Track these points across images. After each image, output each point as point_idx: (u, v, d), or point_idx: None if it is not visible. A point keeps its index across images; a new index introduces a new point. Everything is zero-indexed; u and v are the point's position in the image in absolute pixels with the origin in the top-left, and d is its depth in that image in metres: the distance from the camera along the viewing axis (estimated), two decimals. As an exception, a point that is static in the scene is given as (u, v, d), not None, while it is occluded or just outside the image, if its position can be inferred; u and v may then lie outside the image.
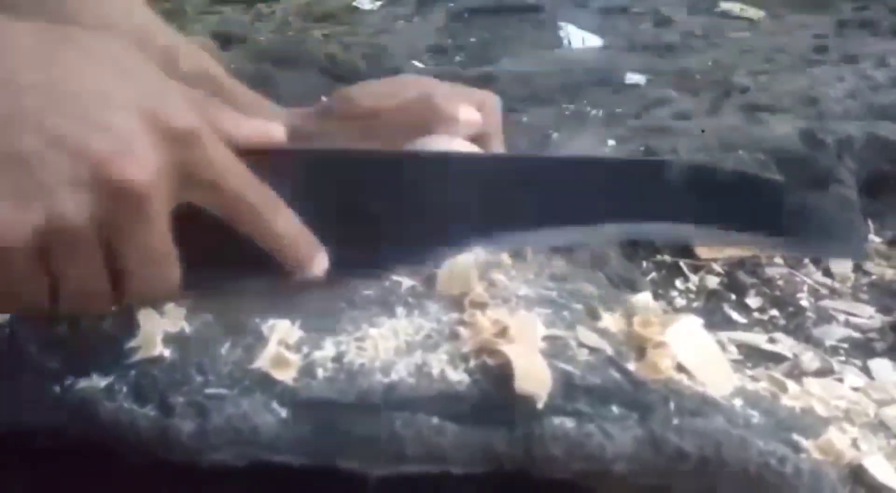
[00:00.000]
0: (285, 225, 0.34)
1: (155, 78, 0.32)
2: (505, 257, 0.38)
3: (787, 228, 0.39)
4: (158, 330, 0.33)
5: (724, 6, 1.27)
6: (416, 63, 1.14)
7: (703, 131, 0.59)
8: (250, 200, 0.33)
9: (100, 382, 0.31)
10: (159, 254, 0.31)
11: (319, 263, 0.35)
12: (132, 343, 0.32)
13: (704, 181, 0.39)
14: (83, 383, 0.32)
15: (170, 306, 0.34)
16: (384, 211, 0.36)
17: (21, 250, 0.29)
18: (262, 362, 0.31)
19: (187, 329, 0.33)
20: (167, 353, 0.32)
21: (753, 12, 1.23)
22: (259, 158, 0.34)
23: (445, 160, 0.38)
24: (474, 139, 0.42)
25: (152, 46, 0.41)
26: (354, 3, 1.53)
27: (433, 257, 0.36)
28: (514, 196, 0.37)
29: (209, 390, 0.30)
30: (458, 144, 0.40)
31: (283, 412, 0.30)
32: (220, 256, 0.34)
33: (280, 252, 0.34)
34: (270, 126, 0.35)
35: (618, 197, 0.38)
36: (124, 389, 0.31)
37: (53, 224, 0.29)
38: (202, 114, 0.32)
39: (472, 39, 1.24)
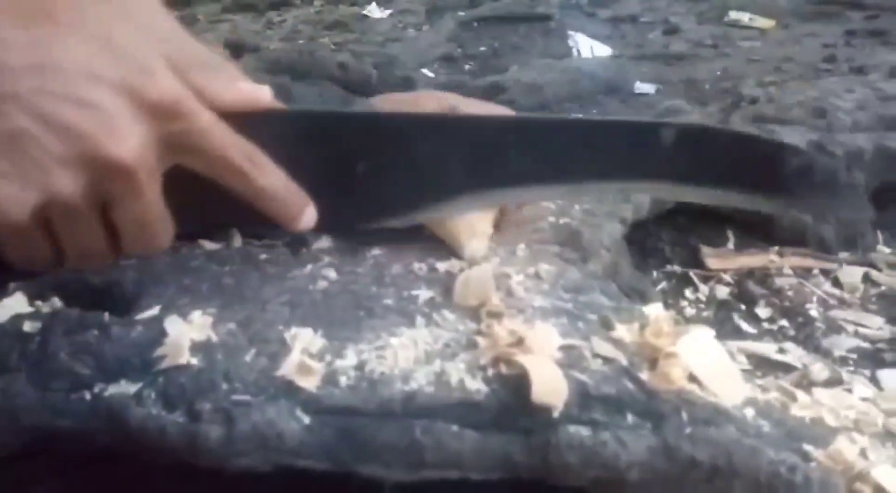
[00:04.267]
0: (272, 181, 0.35)
1: (140, 47, 0.33)
2: (521, 270, 0.39)
3: (787, 187, 0.38)
4: (185, 338, 0.34)
5: (734, 16, 1.27)
6: (426, 72, 1.15)
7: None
8: (236, 161, 0.34)
9: (129, 388, 0.32)
10: (152, 219, 0.34)
11: (309, 216, 0.36)
12: (160, 351, 0.33)
13: (701, 142, 0.38)
14: (113, 390, 0.32)
15: (196, 314, 0.35)
16: (371, 169, 0.37)
17: (23, 223, 0.31)
18: (286, 369, 0.32)
19: (214, 338, 0.34)
20: (194, 361, 0.33)
21: (763, 22, 1.24)
22: (246, 119, 0.35)
23: (432, 121, 0.39)
24: None
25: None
26: (364, 12, 1.55)
27: (422, 211, 0.37)
28: (504, 154, 0.38)
29: (235, 397, 0.31)
30: None
31: (307, 419, 0.31)
32: (215, 209, 0.35)
33: (269, 208, 0.35)
34: (257, 88, 0.36)
35: (612, 156, 0.38)
36: (153, 395, 0.32)
37: (51, 199, 0.31)
38: (187, 79, 0.33)
39: (482, 48, 1.25)
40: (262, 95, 0.36)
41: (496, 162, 0.38)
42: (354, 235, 0.40)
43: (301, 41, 1.34)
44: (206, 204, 0.35)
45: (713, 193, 0.39)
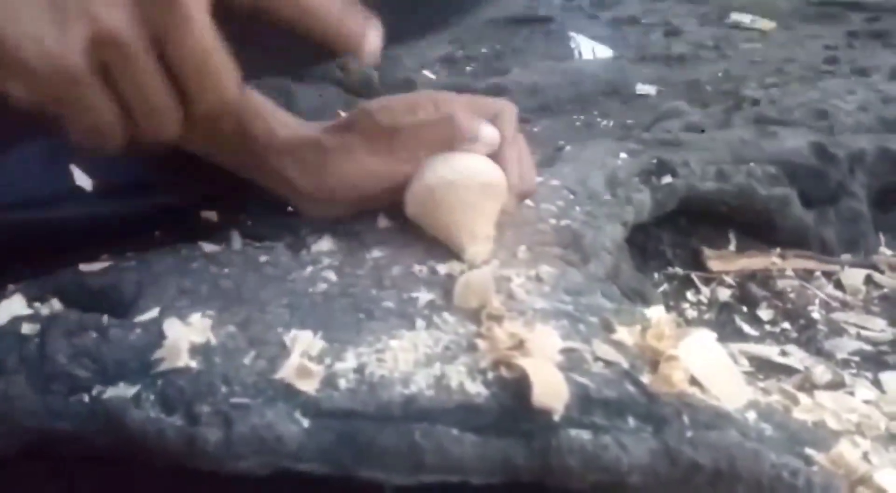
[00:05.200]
0: (327, 2, 0.33)
1: None
2: (522, 272, 0.39)
3: None
4: (184, 341, 0.33)
5: (735, 17, 1.27)
6: (428, 73, 1.15)
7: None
8: None
9: (128, 391, 0.32)
10: (210, 51, 0.31)
11: (372, 36, 0.34)
12: (158, 354, 0.33)
13: None
14: (111, 393, 0.32)
15: (195, 317, 0.35)
16: None
17: (79, 69, 0.30)
18: (285, 372, 0.32)
19: (213, 340, 0.34)
20: (193, 363, 0.33)
21: (764, 23, 1.24)
22: None
23: None
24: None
25: None
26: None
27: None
28: None
29: (234, 400, 0.31)
30: (478, 161, 0.41)
31: (306, 422, 0.31)
32: (271, 53, 0.33)
33: (328, 31, 0.33)
34: None
35: None
36: (151, 398, 0.32)
37: (101, 36, 0.30)
38: None
39: (484, 50, 1.25)
40: None
41: None
42: (354, 235, 0.40)
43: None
44: (262, 49, 0.33)
45: None
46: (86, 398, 0.33)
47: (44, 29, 0.30)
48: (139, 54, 0.31)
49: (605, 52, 1.17)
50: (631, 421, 0.31)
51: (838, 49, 1.07)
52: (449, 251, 0.40)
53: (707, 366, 0.34)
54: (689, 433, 0.30)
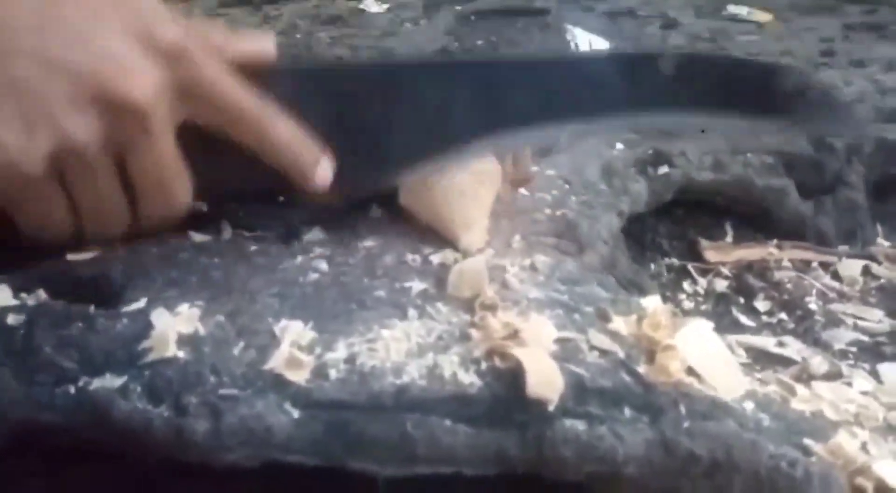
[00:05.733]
0: (284, 134, 0.35)
1: None
2: (516, 261, 0.38)
3: (785, 106, 0.39)
4: (172, 331, 0.33)
5: (732, 9, 1.27)
6: (423, 66, 1.14)
7: (702, 131, 0.59)
8: (246, 111, 0.34)
9: (114, 382, 0.32)
10: (169, 168, 0.33)
11: (323, 171, 0.35)
12: (146, 344, 0.33)
13: (698, 68, 0.39)
14: (97, 384, 0.32)
15: (183, 307, 0.35)
16: (382, 119, 0.37)
17: (37, 174, 0.30)
18: (275, 363, 0.31)
19: (201, 330, 0.33)
20: (181, 354, 0.32)
21: (761, 16, 1.23)
22: (253, 73, 0.34)
23: (439, 65, 0.39)
24: None
25: None
26: (361, 6, 1.54)
27: (434, 160, 0.36)
28: (511, 95, 0.38)
29: (223, 391, 0.31)
30: None
31: (296, 413, 0.30)
32: (229, 171, 0.34)
33: (282, 162, 0.35)
34: (261, 40, 0.36)
35: (611, 89, 0.39)
36: (138, 389, 0.31)
37: (64, 146, 0.31)
38: (193, 31, 0.33)
39: (479, 42, 1.24)
40: (266, 44, 0.35)
41: (503, 103, 0.38)
42: (347, 225, 0.39)
43: (298, 36, 1.33)
44: (221, 166, 0.34)
45: (713, 119, 0.40)
46: (72, 390, 0.32)
47: (8, 135, 0.30)
48: (99, 164, 0.32)
49: (601, 44, 1.17)
50: (627, 411, 0.30)
51: (835, 41, 1.06)
52: (442, 240, 0.40)
53: (704, 356, 0.34)
54: (685, 424, 0.30)
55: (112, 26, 0.31)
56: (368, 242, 0.40)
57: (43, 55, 0.30)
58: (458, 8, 1.38)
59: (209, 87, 0.33)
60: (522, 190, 0.46)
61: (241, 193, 0.39)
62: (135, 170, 0.33)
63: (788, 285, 0.54)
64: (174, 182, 0.33)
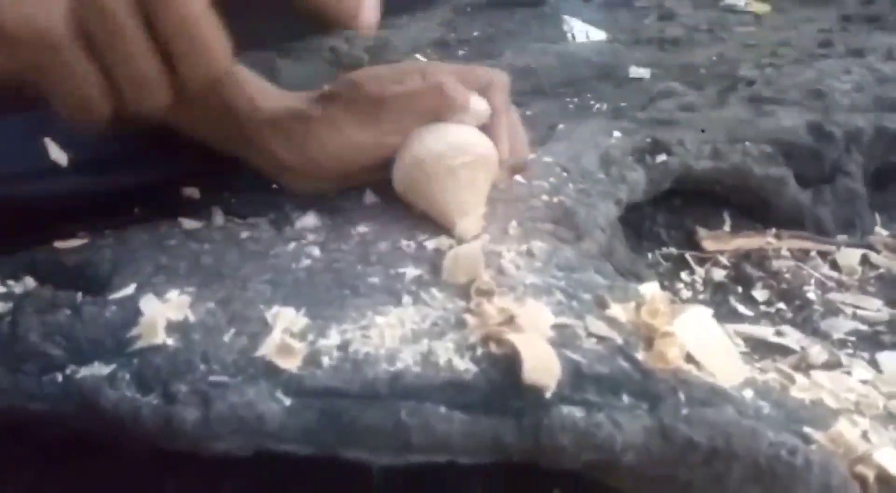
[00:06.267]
0: None
1: None
2: (513, 248, 0.38)
3: None
4: (161, 318, 0.32)
5: (730, 0, 1.26)
6: (419, 57, 1.13)
7: (702, 131, 0.58)
8: None
9: (102, 370, 0.31)
10: (202, 23, 0.30)
11: (370, 9, 0.33)
12: (134, 331, 0.32)
13: None
14: (85, 372, 0.31)
15: (173, 293, 0.34)
16: None
17: (60, 34, 0.29)
18: (266, 350, 0.31)
19: (191, 317, 0.33)
20: (170, 341, 0.31)
21: (758, 7, 1.23)
22: None
23: None
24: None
25: None
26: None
27: None
28: None
29: (213, 379, 0.30)
30: (468, 133, 0.40)
31: (288, 401, 0.30)
32: (267, 23, 0.33)
33: (328, 3, 0.32)
34: None
35: None
36: (127, 377, 0.31)
37: (84, 2, 0.29)
38: None
39: (476, 33, 1.23)
40: None
41: None
42: (340, 211, 0.38)
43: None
44: (258, 18, 0.32)
45: None
46: (59, 378, 0.31)
47: None
48: (124, 21, 0.30)
49: (598, 35, 1.16)
50: (625, 398, 0.30)
51: (833, 32, 1.06)
52: (437, 226, 0.39)
53: (703, 343, 0.33)
54: (684, 411, 0.29)
55: None
56: (362, 229, 0.40)
57: None
58: (455, -2, 1.37)
59: None
60: (519, 177, 0.45)
61: (283, 38, 0.35)
62: (164, 27, 0.30)
63: (787, 275, 0.54)
64: (209, 38, 0.30)
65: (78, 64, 0.30)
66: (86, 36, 0.30)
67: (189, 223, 0.41)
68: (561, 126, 0.58)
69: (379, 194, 0.43)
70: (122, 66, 0.31)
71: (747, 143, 0.58)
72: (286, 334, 0.31)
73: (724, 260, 0.55)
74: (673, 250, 0.57)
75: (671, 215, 0.59)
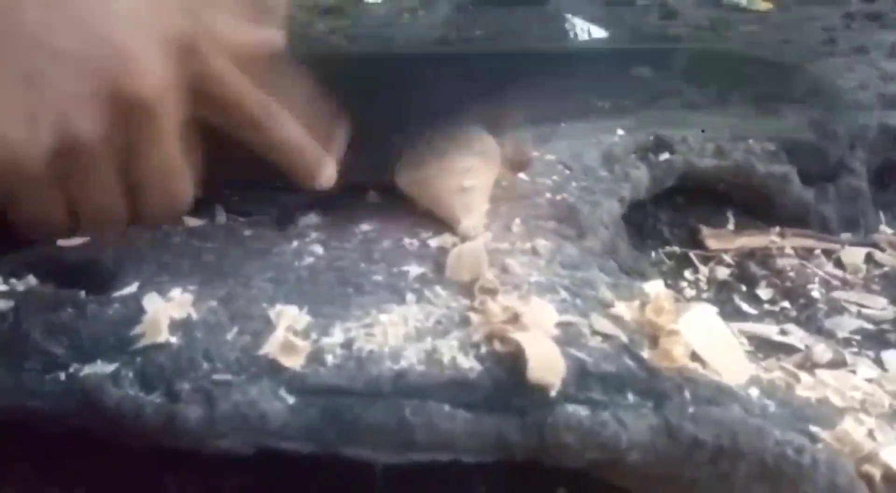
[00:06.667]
0: (289, 134, 0.33)
1: None
2: (516, 245, 0.38)
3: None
4: (164, 316, 0.32)
5: (732, -1, 1.26)
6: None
7: (703, 131, 0.58)
8: (251, 110, 0.33)
9: (105, 368, 0.31)
10: (173, 165, 0.32)
11: (328, 172, 0.34)
12: (137, 330, 0.32)
13: None
14: (88, 370, 0.31)
15: (176, 291, 0.34)
16: (388, 109, 0.36)
17: (37, 171, 0.29)
18: (269, 348, 0.31)
19: (194, 315, 0.33)
20: (173, 339, 0.31)
21: (760, 5, 1.22)
22: (259, 64, 0.33)
23: (444, 57, 0.39)
24: None
25: None
26: (358, -4, 1.52)
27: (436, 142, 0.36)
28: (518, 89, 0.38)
29: (216, 377, 0.30)
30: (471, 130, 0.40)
31: (291, 399, 0.29)
32: (232, 166, 0.34)
33: (286, 163, 0.34)
34: (268, 32, 0.35)
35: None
36: (130, 375, 0.30)
37: (68, 142, 0.29)
38: (200, 23, 0.32)
39: (478, 32, 1.23)
40: (274, 37, 0.34)
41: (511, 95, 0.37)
42: (343, 209, 0.39)
43: (296, 26, 1.32)
44: (225, 162, 0.33)
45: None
46: (62, 376, 0.31)
47: (11, 129, 0.29)
48: (101, 161, 0.31)
49: (600, 33, 1.16)
50: (630, 397, 0.30)
51: (836, 30, 1.06)
52: (441, 224, 0.39)
53: (708, 341, 0.33)
54: (690, 409, 0.29)
55: (121, 19, 0.29)
56: (365, 226, 0.40)
57: (50, 46, 0.28)
58: (456, -3, 1.37)
59: (216, 84, 0.32)
60: (522, 175, 0.45)
61: (242, 185, 0.38)
62: (138, 167, 0.31)
63: (791, 273, 0.54)
64: (178, 179, 0.32)
65: (46, 194, 0.31)
66: (59, 167, 0.30)
67: (192, 221, 0.41)
68: (563, 124, 0.58)
69: (382, 192, 0.43)
70: (89, 199, 0.32)
71: (750, 140, 0.58)
72: (289, 332, 0.31)
73: (727, 258, 0.55)
74: (676, 249, 0.56)
75: (674, 213, 0.58)
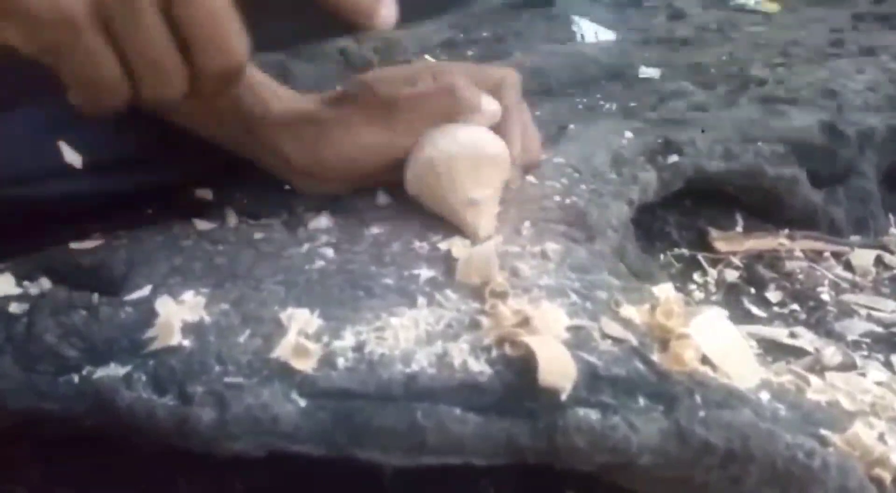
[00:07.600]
0: None
1: None
2: (526, 249, 0.37)
3: None
4: (176, 319, 0.32)
5: (739, 0, 1.25)
6: (428, 57, 1.13)
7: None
8: None
9: (118, 371, 0.31)
10: (222, 15, 0.30)
11: (387, 10, 0.33)
12: (150, 332, 0.32)
13: None
14: (101, 373, 0.31)
15: (188, 294, 0.34)
16: None
17: (80, 15, 0.29)
18: (281, 351, 0.31)
19: (206, 318, 0.33)
20: (186, 342, 0.32)
21: (769, 6, 1.22)
22: None
23: None
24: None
25: None
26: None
27: None
28: None
29: (228, 380, 0.30)
30: (480, 133, 0.40)
31: (303, 402, 0.30)
32: (284, 21, 0.32)
33: (346, 3, 0.32)
34: None
35: None
36: (143, 378, 0.31)
37: None
38: None
39: (485, 34, 1.23)
40: None
41: None
42: (353, 212, 0.38)
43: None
44: (276, 16, 0.32)
45: None
46: (75, 379, 0.32)
47: None
48: (145, 8, 0.30)
49: (607, 35, 1.16)
50: (641, 400, 0.30)
51: (844, 31, 1.05)
52: (451, 227, 0.39)
53: (719, 345, 0.33)
54: (701, 413, 0.29)
55: None
56: (375, 230, 0.40)
57: None
58: (464, -1, 1.37)
59: None
60: (532, 178, 0.45)
61: (297, 40, 0.35)
62: (186, 18, 0.30)
63: (800, 276, 0.53)
64: (228, 32, 0.30)
65: (96, 47, 0.30)
66: (106, 20, 0.30)
67: (203, 224, 0.41)
68: (571, 127, 0.58)
69: (391, 195, 0.43)
70: (140, 53, 0.31)
71: (759, 143, 0.58)
72: (301, 335, 0.32)
73: (736, 261, 0.55)
74: (685, 251, 0.56)
75: (683, 216, 0.58)
